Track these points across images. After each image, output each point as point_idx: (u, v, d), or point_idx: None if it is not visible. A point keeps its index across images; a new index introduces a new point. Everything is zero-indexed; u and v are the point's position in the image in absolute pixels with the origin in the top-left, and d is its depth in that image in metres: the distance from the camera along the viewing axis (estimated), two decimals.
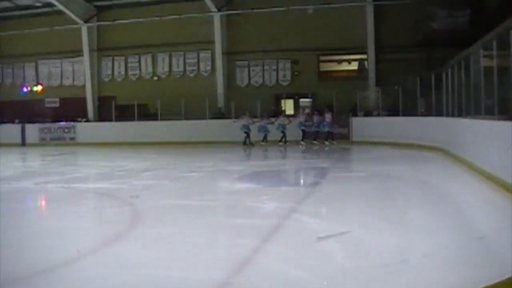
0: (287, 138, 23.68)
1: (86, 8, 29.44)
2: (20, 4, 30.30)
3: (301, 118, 24.31)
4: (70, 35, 29.94)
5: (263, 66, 28.54)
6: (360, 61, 27.61)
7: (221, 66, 28.26)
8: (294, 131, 23.73)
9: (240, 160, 19.34)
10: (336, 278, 4.86)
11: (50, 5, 28.59)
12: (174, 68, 29.76)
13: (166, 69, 29.87)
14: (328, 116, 23.76)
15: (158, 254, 5.78)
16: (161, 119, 27.50)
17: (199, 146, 23.96)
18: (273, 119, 24.45)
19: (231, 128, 24.36)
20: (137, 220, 7.79)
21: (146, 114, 28.63)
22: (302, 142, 23.44)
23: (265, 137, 24.06)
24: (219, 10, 27.47)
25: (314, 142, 23.56)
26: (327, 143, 23.31)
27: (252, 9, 26.99)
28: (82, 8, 29.21)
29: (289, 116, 25.15)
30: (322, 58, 28.10)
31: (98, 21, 30.10)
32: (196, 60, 29.34)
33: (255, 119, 24.40)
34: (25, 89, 30.87)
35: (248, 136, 23.91)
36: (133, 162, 17.99)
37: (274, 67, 28.41)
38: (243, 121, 24.06)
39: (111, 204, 9.57)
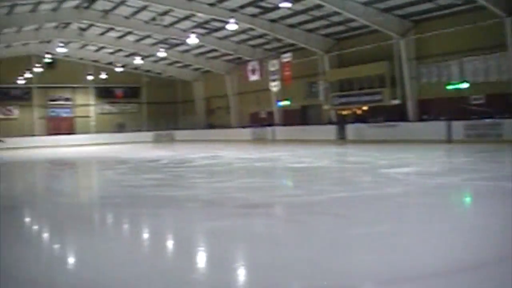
0: None
1: (507, 1, 28.58)
2: (441, 3, 31.18)
3: None
4: (493, 30, 29.52)
5: None
6: None
7: None
8: None
9: None
10: None
11: (471, 1, 28.72)
12: None
13: None
14: None
15: None
16: None
17: None
18: None
19: None
20: None
21: None
22: None
23: None
24: None
25: None
26: None
27: None
28: (503, 1, 28.47)
29: None
30: None
31: None
32: None
33: None
34: (450, 87, 31.86)
35: None
36: None
37: None
38: None
39: None
